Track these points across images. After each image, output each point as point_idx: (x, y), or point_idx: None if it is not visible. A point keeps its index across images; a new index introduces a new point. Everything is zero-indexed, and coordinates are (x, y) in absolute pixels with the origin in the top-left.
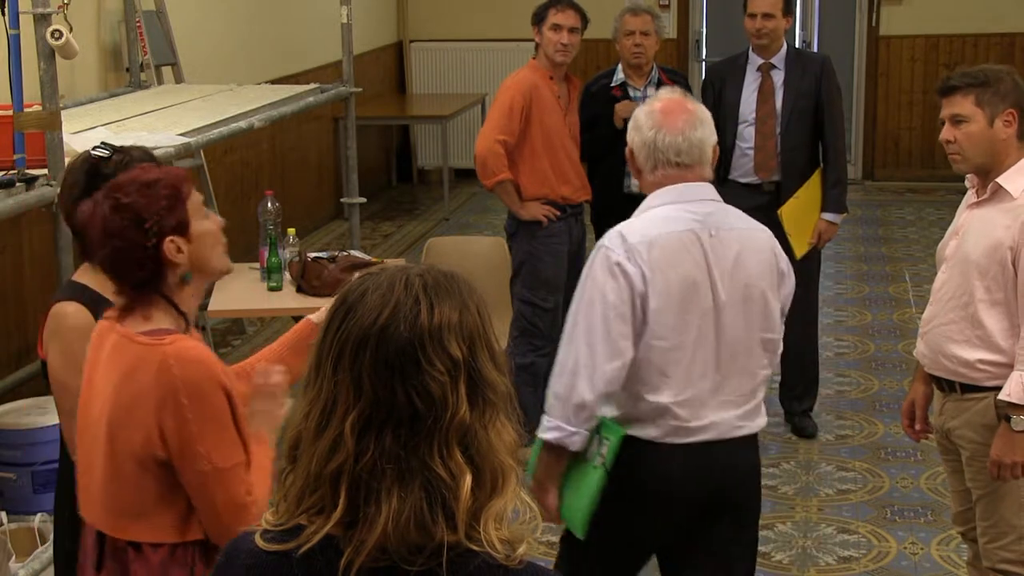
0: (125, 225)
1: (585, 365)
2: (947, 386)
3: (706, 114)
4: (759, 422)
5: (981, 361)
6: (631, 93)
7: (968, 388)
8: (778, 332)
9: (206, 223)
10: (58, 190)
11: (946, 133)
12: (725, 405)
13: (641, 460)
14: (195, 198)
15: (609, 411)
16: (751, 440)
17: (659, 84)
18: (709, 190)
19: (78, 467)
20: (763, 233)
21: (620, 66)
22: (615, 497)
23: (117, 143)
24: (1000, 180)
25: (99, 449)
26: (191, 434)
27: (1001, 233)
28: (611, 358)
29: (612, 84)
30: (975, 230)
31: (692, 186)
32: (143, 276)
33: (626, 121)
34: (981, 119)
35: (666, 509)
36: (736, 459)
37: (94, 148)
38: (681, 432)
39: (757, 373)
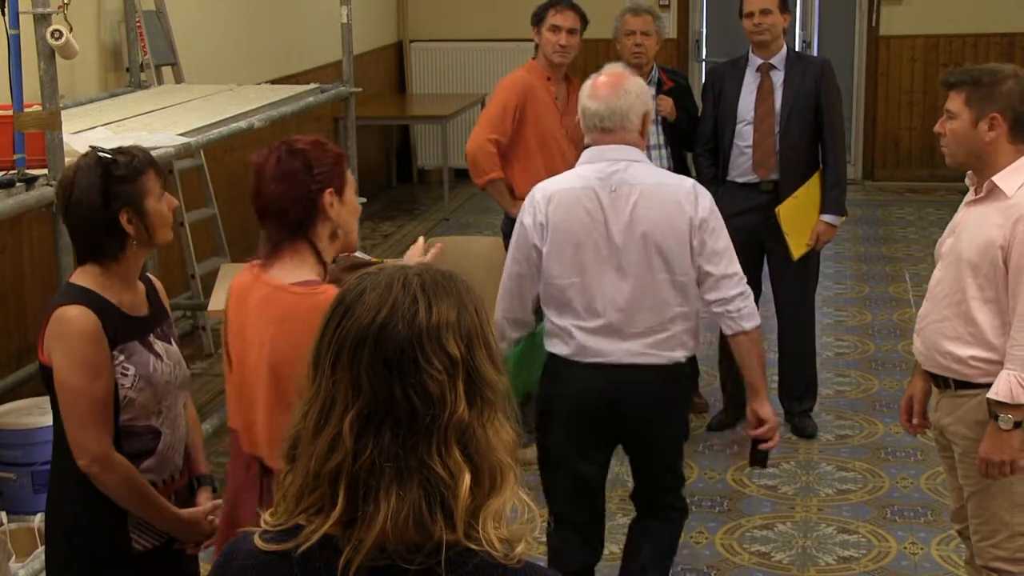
0: (297, 167)
1: (498, 296)
2: (942, 382)
3: (638, 85)
4: (674, 354)
5: (973, 358)
6: None
7: (962, 384)
8: (687, 274)
9: (356, 198)
10: (57, 192)
11: (938, 126)
12: (631, 336)
13: (558, 372)
14: (351, 175)
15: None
16: (660, 370)
17: (659, 84)
18: (625, 151)
19: (239, 408)
20: (676, 188)
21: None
22: (545, 402)
23: (117, 143)
24: (995, 179)
25: (260, 390)
26: None
27: (994, 232)
28: (508, 295)
29: None
30: (970, 228)
31: (608, 148)
32: (300, 217)
33: None
34: (966, 118)
35: (576, 416)
36: (635, 383)
37: (99, 152)
38: (583, 352)
39: (666, 309)
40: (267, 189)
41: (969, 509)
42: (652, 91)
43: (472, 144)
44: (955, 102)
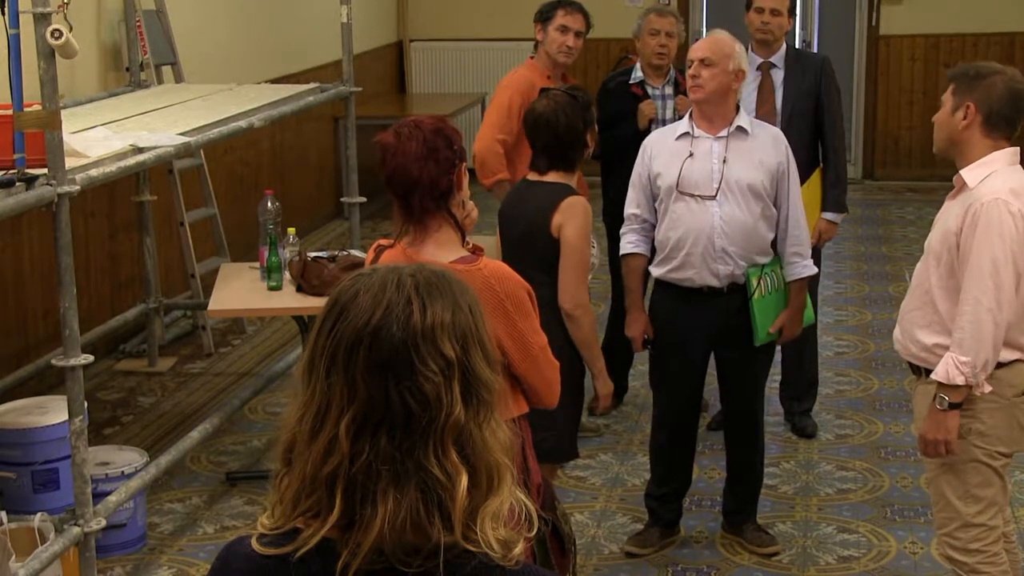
0: (440, 143)
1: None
2: (915, 371)
3: None
4: None
5: (936, 345)
6: (650, 92)
7: (929, 372)
8: None
9: None
10: (540, 122)
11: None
12: None
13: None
14: None
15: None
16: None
17: (676, 85)
18: None
19: None
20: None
21: (638, 64)
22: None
23: (116, 142)
24: (962, 172)
25: None
26: (521, 331)
27: (952, 221)
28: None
29: (631, 82)
30: (939, 220)
31: None
32: (445, 187)
33: (651, 121)
34: (948, 106)
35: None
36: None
37: (569, 93)
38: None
39: None
40: (414, 165)
41: (931, 498)
42: (670, 92)
43: (480, 145)
44: (946, 92)
